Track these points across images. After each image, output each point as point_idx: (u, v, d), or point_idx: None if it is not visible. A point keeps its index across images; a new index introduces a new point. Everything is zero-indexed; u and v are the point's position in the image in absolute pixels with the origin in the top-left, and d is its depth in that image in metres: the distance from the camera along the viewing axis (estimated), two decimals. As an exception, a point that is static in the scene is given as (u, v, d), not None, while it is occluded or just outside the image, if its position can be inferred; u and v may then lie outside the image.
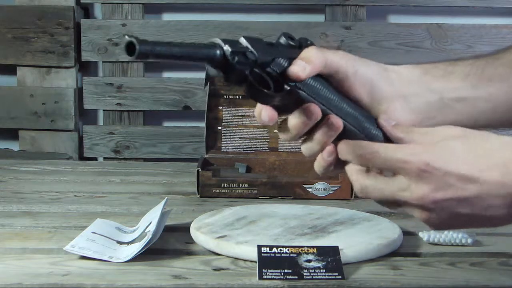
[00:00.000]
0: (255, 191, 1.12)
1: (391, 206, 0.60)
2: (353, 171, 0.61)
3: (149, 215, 0.88)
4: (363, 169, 0.60)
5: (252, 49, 0.61)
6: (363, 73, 0.63)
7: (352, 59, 0.63)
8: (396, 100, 0.63)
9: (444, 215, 0.58)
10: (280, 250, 0.75)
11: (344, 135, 0.62)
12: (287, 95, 0.60)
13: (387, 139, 0.62)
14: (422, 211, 0.58)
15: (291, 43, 0.64)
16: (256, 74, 0.60)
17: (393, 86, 0.64)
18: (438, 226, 0.60)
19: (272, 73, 0.61)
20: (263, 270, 0.72)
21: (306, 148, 0.64)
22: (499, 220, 0.59)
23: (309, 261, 0.73)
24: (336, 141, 0.62)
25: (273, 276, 0.71)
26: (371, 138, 0.62)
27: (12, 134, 1.59)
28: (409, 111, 0.64)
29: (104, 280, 0.70)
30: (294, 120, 0.61)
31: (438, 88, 0.65)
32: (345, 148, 0.61)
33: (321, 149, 0.62)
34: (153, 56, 0.59)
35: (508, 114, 0.68)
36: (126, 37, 0.57)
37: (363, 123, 0.62)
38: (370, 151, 0.59)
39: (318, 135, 0.61)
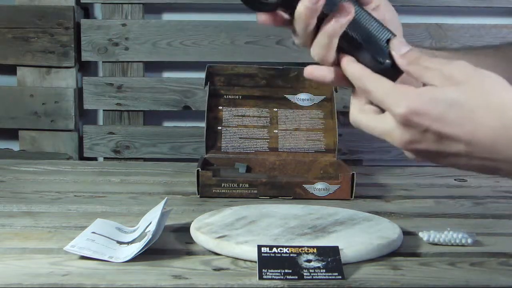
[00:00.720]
0: (255, 191, 1.12)
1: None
2: (352, 99, 0.61)
3: (149, 215, 0.88)
4: (361, 100, 0.60)
5: None
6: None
7: None
8: None
9: (430, 160, 0.58)
10: (280, 250, 0.75)
11: (351, 45, 0.60)
12: None
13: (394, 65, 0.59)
14: (404, 150, 0.58)
15: None
16: None
17: None
18: (420, 160, 0.59)
19: None
20: (263, 270, 0.72)
21: (314, 47, 0.61)
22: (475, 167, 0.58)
23: (309, 261, 0.73)
24: (341, 51, 0.60)
25: (273, 276, 0.71)
26: (375, 60, 0.60)
27: (12, 134, 1.59)
28: None
29: (104, 280, 0.70)
30: (301, 7, 0.58)
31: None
32: (348, 71, 0.60)
33: (330, 45, 0.60)
34: None
35: None
36: None
37: (373, 39, 0.60)
38: (363, 87, 0.58)
39: (327, 27, 0.59)
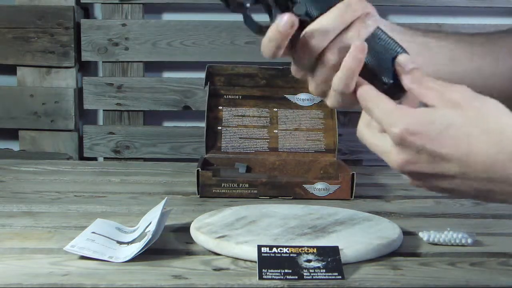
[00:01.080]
0: (255, 191, 1.12)
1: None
2: (362, 113, 0.61)
3: (149, 215, 0.88)
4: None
5: None
6: None
7: None
8: None
9: (425, 184, 0.58)
10: (280, 250, 0.75)
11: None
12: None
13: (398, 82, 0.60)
14: (403, 174, 0.58)
15: None
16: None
17: None
18: (427, 189, 0.59)
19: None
20: (263, 270, 0.72)
21: (336, 81, 0.61)
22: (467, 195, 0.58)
23: (309, 261, 0.73)
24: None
25: (273, 276, 0.71)
26: (380, 80, 0.60)
27: (12, 134, 1.59)
28: None
29: (104, 280, 0.70)
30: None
31: (423, 40, 0.66)
32: (360, 93, 0.60)
33: (352, 79, 0.60)
34: None
35: (491, 79, 0.69)
36: None
37: (381, 60, 0.60)
38: (365, 105, 0.59)
39: (329, 55, 0.60)
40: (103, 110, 1.60)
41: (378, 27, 0.62)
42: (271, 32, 0.60)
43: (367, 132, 0.60)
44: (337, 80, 0.61)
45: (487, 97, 0.56)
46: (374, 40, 0.61)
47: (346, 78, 0.60)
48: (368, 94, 0.59)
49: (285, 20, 0.58)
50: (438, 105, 0.56)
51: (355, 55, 0.59)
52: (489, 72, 0.68)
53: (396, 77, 0.60)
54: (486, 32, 0.72)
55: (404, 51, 0.61)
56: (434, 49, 0.67)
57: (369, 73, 0.60)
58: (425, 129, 0.55)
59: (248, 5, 0.61)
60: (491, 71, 0.69)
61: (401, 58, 0.60)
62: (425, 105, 0.57)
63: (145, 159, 1.59)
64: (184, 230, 0.88)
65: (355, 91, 0.60)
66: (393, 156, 0.57)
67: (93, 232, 0.83)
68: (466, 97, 0.56)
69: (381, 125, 0.58)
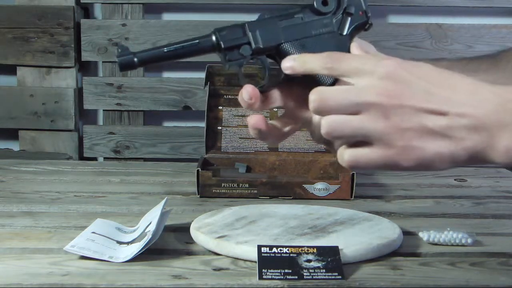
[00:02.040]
0: (255, 191, 1.12)
1: (348, 119, 0.55)
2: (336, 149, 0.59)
3: (149, 215, 0.88)
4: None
5: (251, 41, 0.62)
6: None
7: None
8: None
9: (404, 126, 0.53)
10: (280, 250, 0.75)
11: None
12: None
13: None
14: (381, 120, 0.54)
15: (322, 10, 0.63)
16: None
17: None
18: (396, 152, 0.54)
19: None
20: (263, 270, 0.72)
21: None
22: (460, 151, 0.54)
23: (309, 261, 0.73)
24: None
25: (273, 276, 0.71)
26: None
27: (12, 134, 1.59)
28: None
29: (104, 280, 0.70)
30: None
31: None
32: (308, 56, 0.59)
33: None
34: (140, 64, 0.61)
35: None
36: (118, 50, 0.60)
37: None
38: (335, 56, 0.57)
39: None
40: (103, 110, 1.60)
41: None
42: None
43: (331, 90, 0.56)
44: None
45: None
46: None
47: None
48: (333, 54, 0.58)
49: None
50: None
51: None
52: None
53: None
54: (490, 55, 0.71)
55: None
56: None
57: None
58: (414, 67, 0.54)
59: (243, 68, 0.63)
60: None
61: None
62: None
63: (145, 159, 1.59)
64: (184, 230, 0.88)
65: None
66: (377, 87, 0.54)
67: (93, 232, 0.83)
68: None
69: (362, 70, 0.55)
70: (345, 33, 0.64)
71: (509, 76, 0.68)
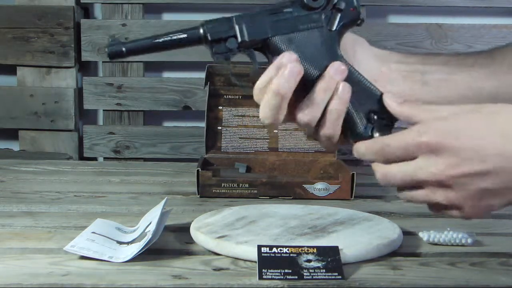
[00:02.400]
0: (255, 191, 1.12)
1: (415, 193, 0.59)
2: (374, 163, 0.61)
3: (149, 215, 0.88)
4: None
5: (238, 34, 0.62)
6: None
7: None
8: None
9: (467, 192, 0.57)
10: (280, 250, 0.75)
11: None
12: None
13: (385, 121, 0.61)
14: (441, 190, 0.57)
15: (312, 5, 0.63)
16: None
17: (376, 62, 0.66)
18: (464, 207, 0.58)
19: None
20: (263, 270, 0.72)
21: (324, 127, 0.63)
22: None
23: (309, 261, 0.73)
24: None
25: (273, 276, 0.71)
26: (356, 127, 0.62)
27: (12, 134, 1.59)
28: (391, 87, 0.64)
29: (104, 280, 0.70)
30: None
31: (419, 68, 0.67)
32: (363, 148, 0.61)
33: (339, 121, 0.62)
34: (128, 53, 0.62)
35: (491, 100, 0.68)
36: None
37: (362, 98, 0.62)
38: (381, 145, 0.59)
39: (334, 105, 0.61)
40: (103, 110, 1.60)
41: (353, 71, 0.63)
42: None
43: (390, 167, 0.59)
44: (326, 127, 0.62)
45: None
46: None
47: (332, 124, 0.62)
48: (375, 142, 0.60)
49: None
50: (447, 115, 0.57)
51: (342, 97, 0.61)
52: (488, 94, 0.68)
53: (366, 129, 0.62)
54: (486, 51, 0.71)
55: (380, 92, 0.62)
56: (430, 79, 0.67)
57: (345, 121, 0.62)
58: (454, 127, 0.55)
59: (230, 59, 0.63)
60: (492, 93, 0.68)
61: (388, 97, 0.61)
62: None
63: (145, 159, 1.59)
64: (184, 230, 0.88)
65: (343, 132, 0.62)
66: (431, 166, 0.56)
67: (93, 232, 0.83)
68: (469, 105, 0.57)
69: (406, 155, 0.57)
70: (334, 28, 0.64)
71: (506, 70, 0.68)
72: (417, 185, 0.58)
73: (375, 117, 0.62)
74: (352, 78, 0.62)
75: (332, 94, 0.61)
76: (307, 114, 0.61)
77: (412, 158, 0.57)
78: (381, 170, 0.59)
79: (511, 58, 0.69)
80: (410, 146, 0.57)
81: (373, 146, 0.60)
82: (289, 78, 0.60)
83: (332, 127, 0.62)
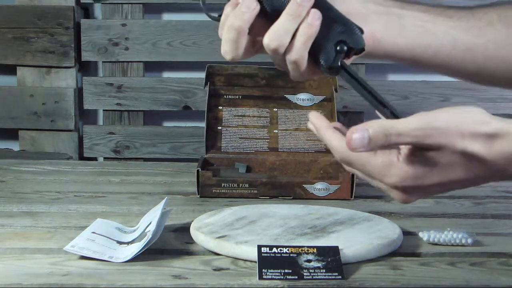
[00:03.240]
0: (255, 191, 1.12)
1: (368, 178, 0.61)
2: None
3: (149, 215, 0.88)
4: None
5: None
6: None
7: None
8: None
9: (425, 195, 0.60)
10: (280, 250, 0.75)
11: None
12: None
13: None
14: (397, 193, 0.59)
15: None
16: None
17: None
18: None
19: None
20: (263, 270, 0.72)
21: (291, 51, 0.63)
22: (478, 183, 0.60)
23: (309, 261, 0.73)
24: None
25: (273, 276, 0.71)
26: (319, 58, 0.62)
27: (12, 134, 1.59)
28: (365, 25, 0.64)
29: (104, 280, 0.70)
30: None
31: (397, 11, 0.66)
32: (327, 143, 0.61)
33: (306, 47, 0.62)
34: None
35: (467, 53, 0.68)
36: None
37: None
38: (346, 159, 0.60)
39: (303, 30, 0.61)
40: (103, 110, 1.60)
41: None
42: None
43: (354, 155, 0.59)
44: (293, 51, 0.61)
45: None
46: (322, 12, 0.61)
47: (300, 49, 0.61)
48: (339, 147, 0.59)
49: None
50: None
51: (311, 23, 0.60)
52: (465, 47, 0.68)
53: (335, 59, 0.61)
54: (468, 6, 0.72)
55: (359, 28, 0.62)
56: (407, 23, 0.67)
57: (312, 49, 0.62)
58: (422, 174, 0.57)
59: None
60: (467, 46, 0.68)
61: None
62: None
63: (145, 159, 1.59)
64: (184, 230, 0.88)
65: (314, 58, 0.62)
66: (396, 196, 0.59)
67: (93, 232, 0.83)
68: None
69: (368, 175, 0.59)
70: None
71: (482, 26, 0.69)
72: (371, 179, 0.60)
73: (345, 47, 0.61)
74: (322, 5, 0.61)
75: (301, 21, 0.61)
76: (274, 40, 0.61)
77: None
78: (350, 159, 0.59)
79: (491, 16, 0.70)
80: (379, 179, 0.59)
81: (352, 160, 0.59)
82: (243, 13, 0.61)
83: (300, 52, 0.61)
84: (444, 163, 0.56)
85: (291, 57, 0.62)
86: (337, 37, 0.61)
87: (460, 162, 0.56)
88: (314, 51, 0.62)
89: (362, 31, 0.62)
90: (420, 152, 0.56)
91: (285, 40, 0.61)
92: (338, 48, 0.61)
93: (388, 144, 0.56)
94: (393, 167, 0.57)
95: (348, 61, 0.63)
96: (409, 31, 0.66)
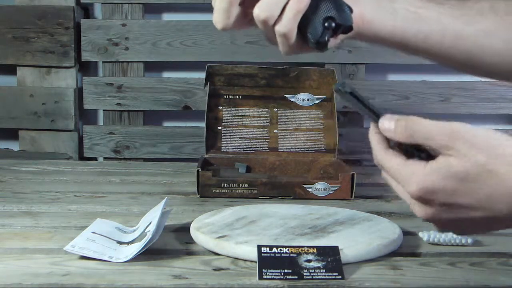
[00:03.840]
0: (255, 191, 1.12)
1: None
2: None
3: (149, 215, 0.88)
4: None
5: None
6: None
7: None
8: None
9: (452, 228, 0.59)
10: (280, 250, 0.75)
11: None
12: None
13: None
14: (417, 205, 0.58)
15: None
16: None
17: None
18: (441, 228, 0.60)
19: None
20: (263, 270, 0.72)
21: (281, 23, 0.63)
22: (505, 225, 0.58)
23: (309, 261, 0.73)
24: None
25: (273, 276, 0.71)
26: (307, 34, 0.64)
27: (12, 134, 1.59)
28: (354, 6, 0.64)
29: (104, 280, 0.70)
30: None
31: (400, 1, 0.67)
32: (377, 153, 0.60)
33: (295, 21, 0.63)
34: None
35: (457, 41, 0.69)
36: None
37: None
38: (377, 160, 0.59)
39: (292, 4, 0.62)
40: (103, 110, 1.60)
41: None
42: None
43: (391, 179, 0.59)
44: (282, 24, 0.62)
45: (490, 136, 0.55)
46: None
47: (289, 21, 0.62)
48: (378, 149, 0.59)
49: None
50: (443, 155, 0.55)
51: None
52: (455, 34, 0.68)
53: (322, 34, 0.62)
54: None
55: (349, 7, 0.62)
56: (399, 7, 0.67)
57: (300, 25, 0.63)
58: (442, 185, 0.55)
59: None
60: (457, 33, 0.69)
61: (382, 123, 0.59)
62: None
63: (145, 159, 1.59)
64: (184, 230, 0.88)
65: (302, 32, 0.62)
66: (417, 208, 0.57)
67: (93, 232, 0.83)
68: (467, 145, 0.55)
69: (396, 180, 0.58)
70: None
71: (473, 15, 0.69)
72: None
73: (333, 24, 0.63)
74: None
75: None
76: (264, 11, 0.62)
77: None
78: (386, 177, 0.60)
79: (483, 5, 0.70)
80: (400, 191, 0.58)
81: (381, 160, 0.59)
82: None
83: (289, 25, 0.62)
84: (470, 178, 0.54)
85: (280, 29, 0.63)
86: (325, 13, 0.63)
87: (487, 179, 0.54)
88: (303, 26, 0.63)
89: (351, 10, 0.63)
90: (445, 161, 0.54)
91: (275, 12, 0.62)
92: (326, 24, 0.62)
93: (411, 140, 0.56)
94: (415, 175, 0.56)
95: (336, 40, 0.64)
96: (401, 15, 0.67)
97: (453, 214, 0.56)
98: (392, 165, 0.58)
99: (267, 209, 0.96)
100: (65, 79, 1.57)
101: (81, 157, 1.59)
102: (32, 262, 0.76)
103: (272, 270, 0.72)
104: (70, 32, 1.55)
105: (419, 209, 0.57)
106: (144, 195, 1.14)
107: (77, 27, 1.56)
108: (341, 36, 0.64)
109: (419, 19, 0.67)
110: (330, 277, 0.71)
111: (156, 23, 1.58)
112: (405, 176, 0.56)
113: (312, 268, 0.72)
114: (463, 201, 0.55)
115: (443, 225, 0.58)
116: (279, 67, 1.31)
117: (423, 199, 0.56)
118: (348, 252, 0.76)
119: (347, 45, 1.57)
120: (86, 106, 1.59)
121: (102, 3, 1.57)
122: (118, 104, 1.58)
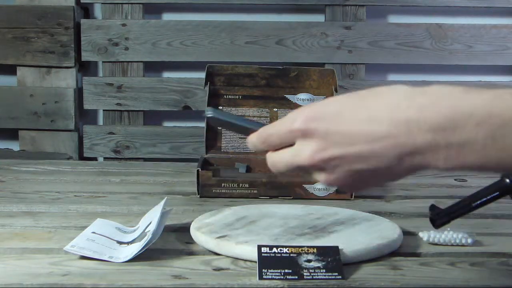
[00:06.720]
0: (255, 191, 1.12)
1: (300, 172, 0.62)
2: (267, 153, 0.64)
3: (149, 215, 0.88)
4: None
5: None
6: None
7: None
8: None
9: (341, 173, 0.58)
10: (280, 250, 0.75)
11: None
12: None
13: None
14: (318, 172, 0.59)
15: None
16: None
17: None
18: (342, 186, 0.61)
19: None
20: (263, 270, 0.72)
21: None
22: (399, 173, 0.58)
23: (309, 261, 0.73)
24: None
25: (273, 276, 0.71)
26: None
27: (12, 134, 1.59)
28: None
29: (104, 280, 0.70)
30: None
31: None
32: (254, 139, 0.64)
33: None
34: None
35: None
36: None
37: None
38: (265, 135, 0.62)
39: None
40: (103, 110, 1.60)
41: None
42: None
43: (275, 155, 0.62)
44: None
45: None
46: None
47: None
48: (260, 133, 0.63)
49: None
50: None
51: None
52: None
53: None
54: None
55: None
56: None
57: None
58: (323, 113, 0.57)
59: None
60: None
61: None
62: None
63: (145, 159, 1.59)
64: (184, 230, 0.88)
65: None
66: (303, 151, 0.58)
67: (93, 232, 0.83)
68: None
69: (286, 141, 0.60)
70: None
71: None
72: (301, 169, 0.60)
73: None
74: None
75: None
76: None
77: (291, 145, 0.60)
78: (269, 159, 0.63)
79: None
80: (286, 133, 0.60)
81: (260, 137, 0.63)
82: None
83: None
84: (346, 110, 0.58)
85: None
86: None
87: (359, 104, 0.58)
88: None
89: None
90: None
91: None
92: None
93: (268, 145, 0.62)
94: (293, 114, 0.60)
95: None
96: None
97: (339, 147, 0.57)
98: (277, 128, 0.61)
99: (267, 209, 0.96)
100: (65, 79, 1.57)
101: (81, 157, 1.59)
102: (32, 262, 0.76)
103: (272, 270, 0.72)
104: (70, 32, 1.55)
105: (305, 149, 0.58)
106: (144, 195, 1.14)
107: (77, 27, 1.56)
108: None
109: None
110: (330, 277, 0.71)
111: (156, 23, 1.58)
112: (289, 118, 0.59)
113: (312, 268, 0.72)
114: (346, 128, 0.56)
115: (329, 165, 0.58)
116: (279, 67, 1.30)
117: (308, 129, 0.57)
118: (348, 252, 0.76)
119: (347, 45, 1.57)
120: (86, 106, 1.59)
121: (102, 3, 1.57)
122: (118, 104, 1.58)
